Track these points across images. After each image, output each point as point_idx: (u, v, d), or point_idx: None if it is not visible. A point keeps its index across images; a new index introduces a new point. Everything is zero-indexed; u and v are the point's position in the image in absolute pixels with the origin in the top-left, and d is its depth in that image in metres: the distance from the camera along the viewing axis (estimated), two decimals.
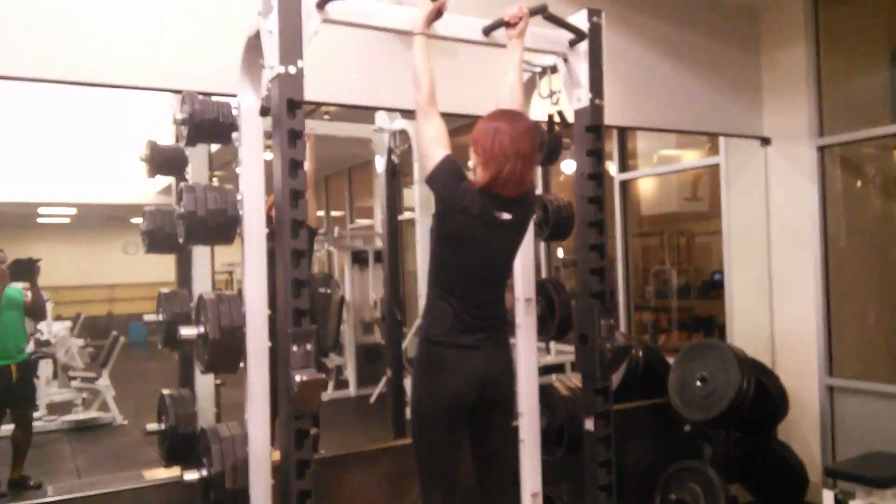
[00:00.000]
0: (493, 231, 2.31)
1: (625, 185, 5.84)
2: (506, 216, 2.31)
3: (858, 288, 4.36)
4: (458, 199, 2.27)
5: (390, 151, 5.26)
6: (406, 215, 6.29)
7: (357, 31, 2.55)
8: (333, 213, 11.18)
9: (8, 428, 5.26)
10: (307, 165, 4.52)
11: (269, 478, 2.39)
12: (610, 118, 3.27)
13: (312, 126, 4.76)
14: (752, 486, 4.22)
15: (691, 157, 5.84)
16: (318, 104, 4.12)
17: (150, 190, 7.34)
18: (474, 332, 2.35)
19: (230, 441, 2.36)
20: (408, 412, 6.13)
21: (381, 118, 5.18)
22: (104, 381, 7.19)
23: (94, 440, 6.71)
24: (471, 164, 2.36)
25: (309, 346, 2.12)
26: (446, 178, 2.29)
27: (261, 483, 2.36)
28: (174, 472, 2.96)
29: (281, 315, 2.17)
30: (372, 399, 7.19)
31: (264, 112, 2.29)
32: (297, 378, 2.06)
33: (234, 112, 2.54)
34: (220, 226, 2.40)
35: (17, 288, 5.27)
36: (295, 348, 2.10)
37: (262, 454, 2.38)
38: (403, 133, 5.12)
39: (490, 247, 2.33)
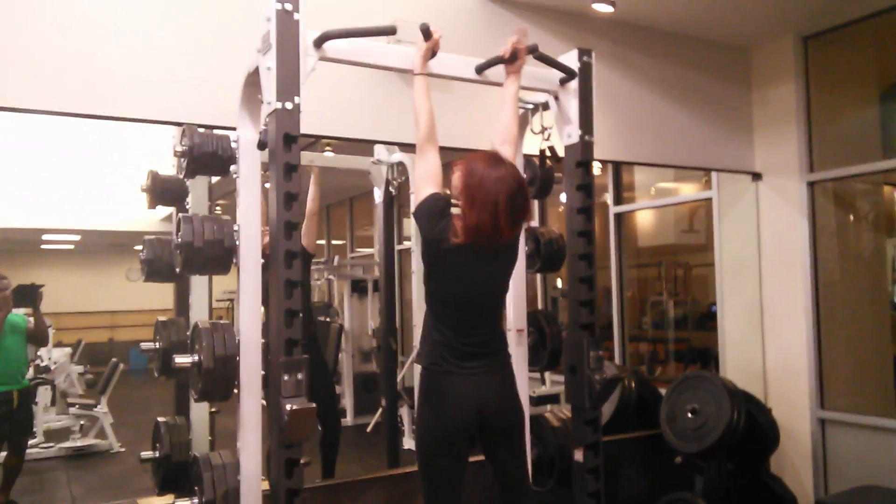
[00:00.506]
0: (472, 262, 2.34)
1: (620, 218, 5.90)
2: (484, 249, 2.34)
3: (849, 321, 4.39)
4: (436, 235, 2.33)
5: (388, 183, 5.33)
6: (405, 245, 6.33)
7: (356, 68, 2.62)
8: (335, 242, 11.24)
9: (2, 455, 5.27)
10: (313, 192, 4.53)
11: None
12: (603, 153, 3.33)
13: (311, 158, 4.83)
14: None
15: (688, 191, 5.90)
16: (318, 137, 4.19)
17: (154, 218, 7.36)
18: (467, 360, 2.38)
19: (222, 469, 2.38)
20: (403, 442, 6.14)
21: (379, 151, 5.26)
22: (102, 408, 7.19)
23: (91, 467, 6.68)
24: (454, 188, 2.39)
25: (300, 376, 2.17)
26: (428, 215, 2.36)
27: None
28: (168, 499, 2.98)
29: (273, 344, 2.21)
30: (369, 428, 7.17)
31: (262, 146, 2.36)
32: (288, 407, 2.11)
33: (234, 145, 2.60)
34: (217, 256, 2.44)
35: (20, 314, 5.32)
36: (286, 377, 2.14)
37: (253, 482, 2.40)
38: (401, 165, 5.19)
39: (472, 278, 2.36)
